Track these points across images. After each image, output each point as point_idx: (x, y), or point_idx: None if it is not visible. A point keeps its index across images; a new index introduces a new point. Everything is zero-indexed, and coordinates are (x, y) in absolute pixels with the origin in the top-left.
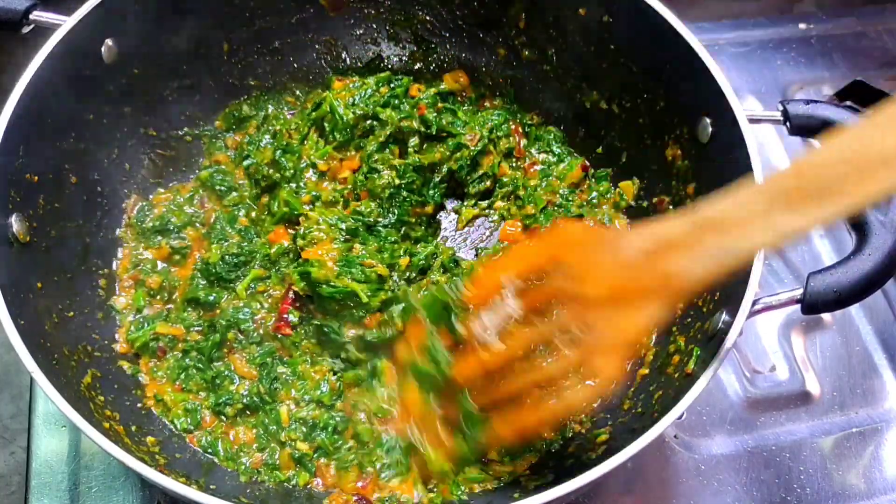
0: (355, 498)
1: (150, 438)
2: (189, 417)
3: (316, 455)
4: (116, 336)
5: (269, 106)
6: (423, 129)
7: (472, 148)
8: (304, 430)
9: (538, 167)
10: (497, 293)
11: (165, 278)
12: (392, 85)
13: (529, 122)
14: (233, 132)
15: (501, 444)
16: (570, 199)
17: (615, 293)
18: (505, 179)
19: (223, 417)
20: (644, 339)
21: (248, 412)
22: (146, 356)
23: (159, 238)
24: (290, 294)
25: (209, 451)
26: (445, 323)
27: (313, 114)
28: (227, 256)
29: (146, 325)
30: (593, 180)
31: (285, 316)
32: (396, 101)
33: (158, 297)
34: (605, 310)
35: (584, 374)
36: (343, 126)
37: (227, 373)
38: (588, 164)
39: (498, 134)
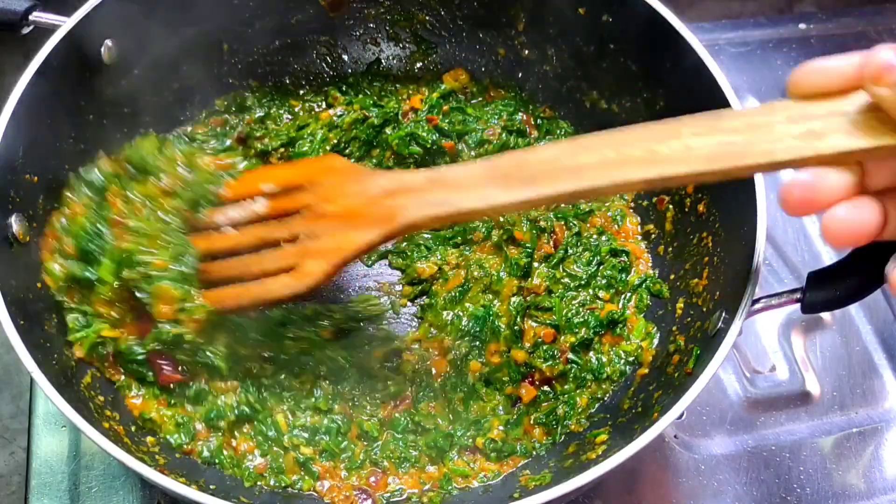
0: (356, 492)
1: (150, 438)
2: (182, 432)
3: (322, 458)
4: None
5: (273, 105)
6: (431, 140)
7: (496, 142)
8: (306, 434)
9: None
10: (251, 195)
11: None
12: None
13: (542, 115)
14: (228, 115)
15: (208, 308)
16: None
17: (348, 213)
18: None
19: (218, 431)
20: (354, 257)
21: (243, 423)
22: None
23: None
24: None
25: (214, 461)
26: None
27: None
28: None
29: (89, 325)
30: None
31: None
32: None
33: None
34: (333, 224)
35: (292, 272)
36: None
37: (206, 388)
38: None
39: (513, 125)
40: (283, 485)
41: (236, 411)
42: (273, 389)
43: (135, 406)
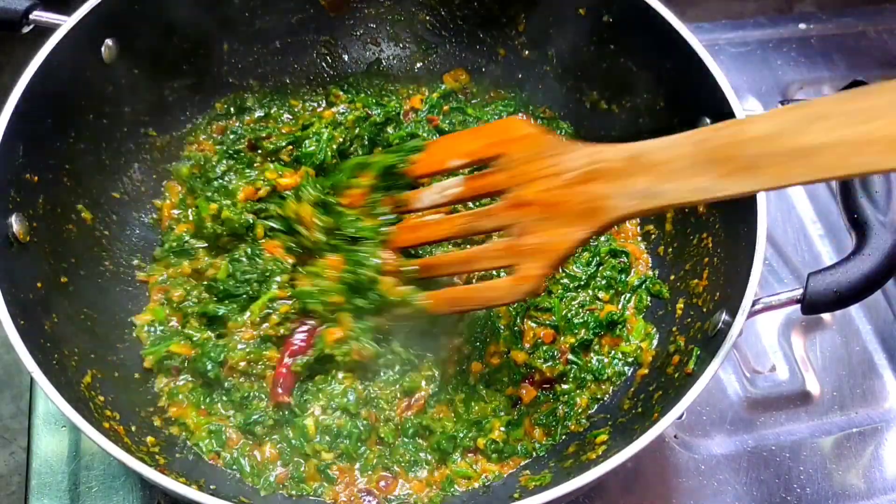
0: (362, 493)
1: (149, 438)
2: (214, 439)
3: (339, 460)
4: (116, 335)
5: (273, 105)
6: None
7: None
8: (329, 438)
9: None
10: (442, 169)
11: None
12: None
13: (542, 115)
14: (226, 120)
15: (425, 308)
16: None
17: (549, 202)
18: None
19: (251, 436)
20: (565, 255)
21: (276, 428)
22: (161, 375)
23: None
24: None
25: (234, 467)
26: (390, 186)
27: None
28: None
29: (160, 342)
30: None
31: (279, 385)
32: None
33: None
34: (539, 217)
35: (513, 274)
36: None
37: (256, 392)
38: None
39: None
40: (302, 493)
41: (277, 416)
42: (315, 391)
43: (173, 409)
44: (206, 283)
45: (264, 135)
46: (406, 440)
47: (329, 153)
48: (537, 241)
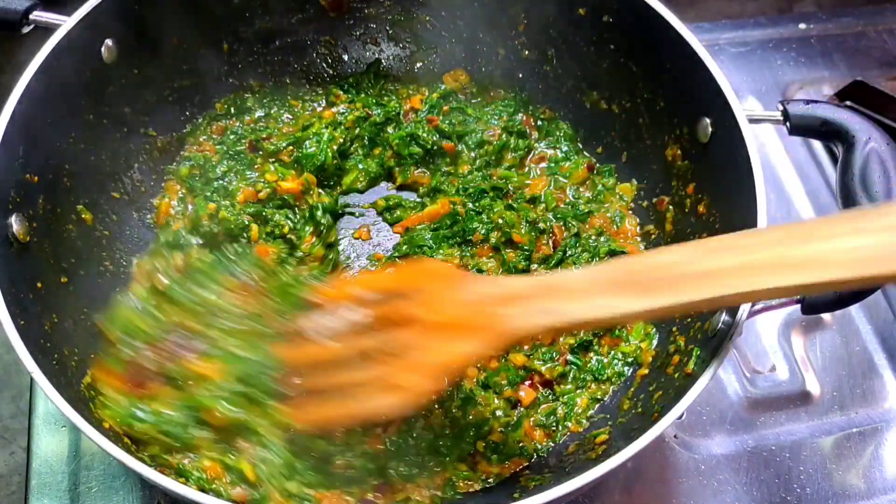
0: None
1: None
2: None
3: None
4: None
5: (273, 105)
6: (431, 141)
7: (496, 143)
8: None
9: (544, 164)
10: (347, 302)
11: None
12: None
13: (542, 116)
14: (226, 120)
15: (296, 425)
16: (578, 197)
17: (447, 323)
18: (515, 179)
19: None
20: (458, 370)
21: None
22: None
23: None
24: None
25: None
26: (292, 309)
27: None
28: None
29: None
30: (598, 175)
31: None
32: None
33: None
34: (432, 335)
35: (390, 385)
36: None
37: None
38: (595, 162)
39: (513, 125)
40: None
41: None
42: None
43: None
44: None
45: (264, 135)
46: (398, 454)
47: (329, 154)
48: (431, 359)
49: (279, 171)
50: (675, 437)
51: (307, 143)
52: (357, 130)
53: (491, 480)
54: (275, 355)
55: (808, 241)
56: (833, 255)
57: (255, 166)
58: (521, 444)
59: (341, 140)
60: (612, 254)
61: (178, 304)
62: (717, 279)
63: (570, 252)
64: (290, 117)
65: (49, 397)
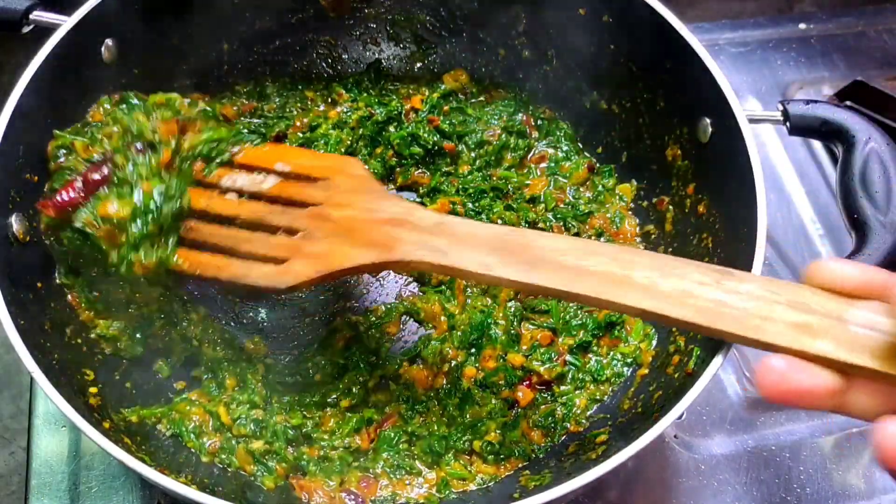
0: (343, 494)
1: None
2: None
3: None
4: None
5: (293, 96)
6: (432, 141)
7: (496, 142)
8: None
9: (544, 164)
10: (266, 168)
11: None
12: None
13: (542, 116)
14: (249, 100)
15: (182, 266)
16: (578, 197)
17: (350, 226)
18: (514, 179)
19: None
20: (340, 273)
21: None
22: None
23: None
24: None
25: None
26: (210, 161)
27: None
28: None
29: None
30: (598, 175)
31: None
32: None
33: None
34: (333, 232)
35: (276, 261)
36: None
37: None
38: (595, 162)
39: (513, 125)
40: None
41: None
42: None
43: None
44: None
45: (273, 133)
46: (390, 449)
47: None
48: (319, 249)
49: None
50: (675, 437)
51: (315, 144)
52: (361, 130)
53: (486, 480)
54: (187, 197)
55: (677, 277)
56: (687, 299)
57: None
58: (518, 445)
59: (348, 142)
60: None
61: (118, 123)
62: (592, 279)
63: None
64: (303, 108)
65: (49, 397)
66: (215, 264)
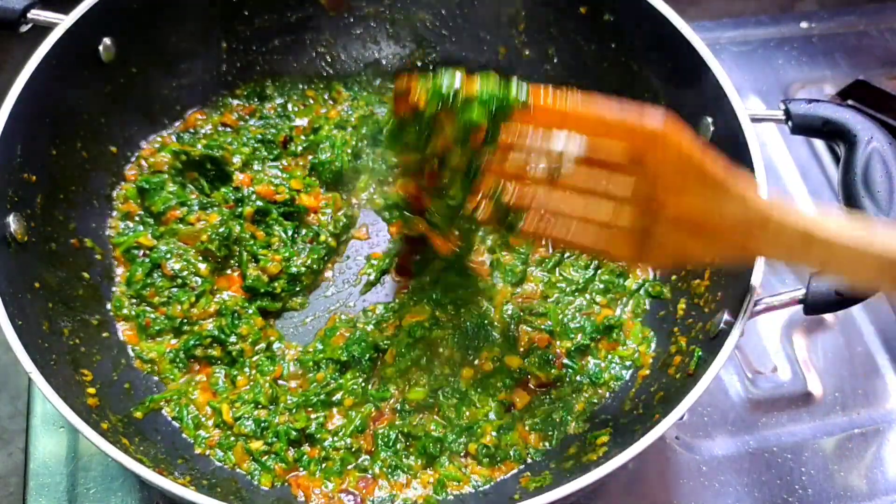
0: (343, 495)
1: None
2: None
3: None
4: (121, 335)
5: (294, 95)
6: None
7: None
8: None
9: None
10: (558, 129)
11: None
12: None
13: None
14: (249, 102)
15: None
16: None
17: (690, 220)
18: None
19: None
20: (678, 265)
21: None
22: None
23: None
24: None
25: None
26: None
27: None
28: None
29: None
30: None
31: None
32: None
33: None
34: (670, 219)
35: (601, 240)
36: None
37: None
38: None
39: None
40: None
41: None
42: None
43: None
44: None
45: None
46: (387, 448)
47: (345, 158)
48: (650, 237)
49: (306, 182)
50: (676, 438)
51: (320, 147)
52: (363, 129)
53: (482, 483)
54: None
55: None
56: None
57: (284, 166)
58: (513, 448)
59: (353, 143)
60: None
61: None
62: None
63: (567, 254)
64: (304, 106)
65: (47, 398)
66: (571, 237)
